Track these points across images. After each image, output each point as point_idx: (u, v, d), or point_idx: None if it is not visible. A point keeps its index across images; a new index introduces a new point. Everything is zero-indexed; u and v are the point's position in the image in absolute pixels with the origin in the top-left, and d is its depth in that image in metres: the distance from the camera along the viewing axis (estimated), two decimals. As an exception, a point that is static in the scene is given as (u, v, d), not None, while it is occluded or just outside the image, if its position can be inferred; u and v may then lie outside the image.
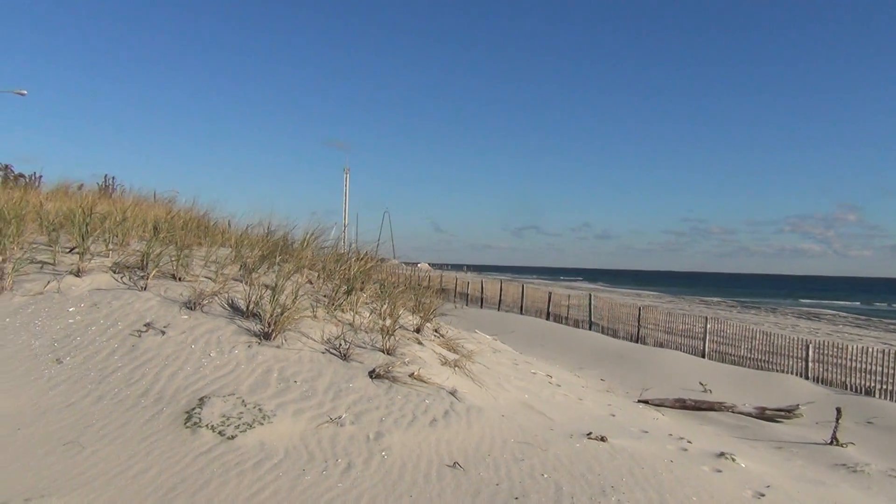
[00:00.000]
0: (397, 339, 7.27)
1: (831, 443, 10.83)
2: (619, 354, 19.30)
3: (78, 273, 6.82)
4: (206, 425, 4.65)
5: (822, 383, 16.78)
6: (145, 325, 6.02)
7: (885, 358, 15.76)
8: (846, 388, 16.22)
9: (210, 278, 7.43)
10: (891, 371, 15.48)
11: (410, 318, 8.91)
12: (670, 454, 6.46)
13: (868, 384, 15.82)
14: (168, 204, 11.93)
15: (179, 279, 7.23)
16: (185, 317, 6.33)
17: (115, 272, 7.04)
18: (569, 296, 30.82)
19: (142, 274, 7.06)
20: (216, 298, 6.85)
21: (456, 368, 7.50)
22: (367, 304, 8.42)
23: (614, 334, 25.14)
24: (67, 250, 7.47)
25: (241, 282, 7.53)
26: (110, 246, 7.70)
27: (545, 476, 4.90)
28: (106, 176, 14.60)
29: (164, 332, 5.94)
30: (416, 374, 6.33)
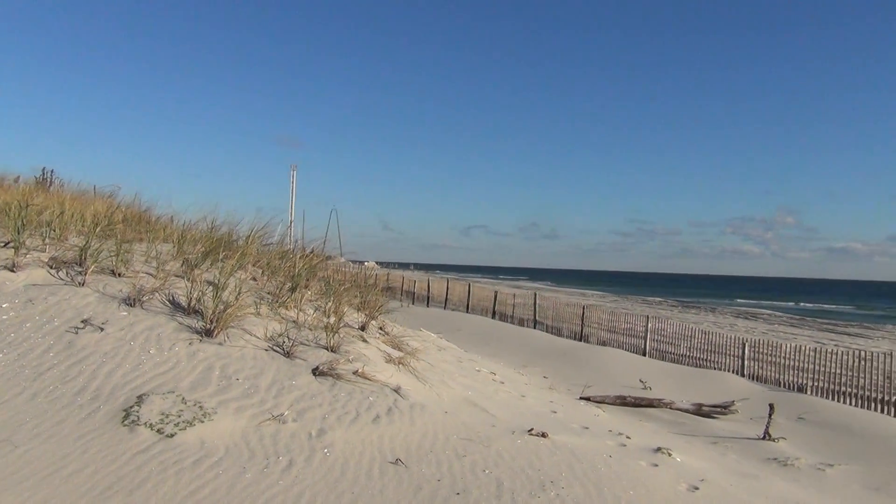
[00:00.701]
0: (342, 336, 7.25)
1: (764, 438, 11.18)
2: (562, 353, 19.56)
3: (12, 268, 6.63)
4: (145, 423, 4.58)
5: (758, 380, 17.30)
6: (83, 322, 5.89)
7: (817, 356, 16.32)
8: (780, 385, 16.75)
9: (151, 274, 7.30)
10: (822, 369, 16.03)
11: (356, 315, 8.90)
12: (609, 449, 6.60)
13: (801, 381, 16.35)
14: (109, 198, 11.65)
15: (119, 275, 7.08)
16: (125, 313, 6.21)
17: (51, 267, 6.86)
18: (514, 295, 31.08)
19: (80, 269, 6.90)
20: (157, 295, 6.74)
21: (400, 366, 7.53)
22: (311, 301, 8.38)
23: (558, 333, 25.47)
24: (2, 245, 7.25)
25: (183, 278, 7.41)
26: (47, 240, 7.50)
27: (486, 472, 4.97)
28: (44, 169, 14.21)
29: (102, 329, 5.83)
30: (360, 371, 6.33)
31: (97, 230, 7.76)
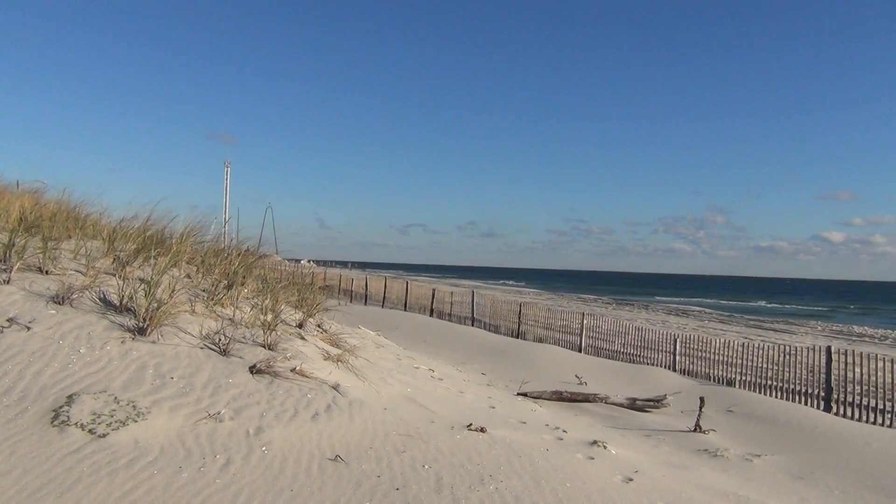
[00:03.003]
0: (279, 334, 7.18)
1: (695, 430, 11.51)
2: (500, 350, 19.74)
3: (-69, 265, 6.36)
4: (76, 424, 4.45)
5: (689, 375, 17.78)
6: (8, 321, 5.69)
7: (745, 351, 16.87)
8: (710, 380, 17.25)
9: (80, 272, 7.10)
10: (750, 363, 16.58)
11: (293, 313, 8.82)
12: (546, 443, 6.70)
13: (730, 375, 16.88)
14: (35, 195, 11.26)
15: (47, 272, 6.86)
16: (53, 311, 6.02)
17: (-27, 265, 6.61)
18: (452, 293, 31.22)
19: (4, 267, 6.65)
20: (87, 293, 6.55)
21: (339, 363, 7.49)
22: (248, 299, 8.26)
23: (496, 330, 25.69)
24: (-81, 241, 6.95)
25: (115, 276, 7.22)
26: (-32, 237, 7.21)
27: (426, 467, 4.99)
28: (-37, 164, 13.62)
29: (28, 328, 5.64)
30: (298, 368, 6.28)
31: (22, 226, 7.50)
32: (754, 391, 16.00)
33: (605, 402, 13.47)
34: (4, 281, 6.40)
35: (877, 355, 14.59)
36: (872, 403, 14.02)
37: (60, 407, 4.62)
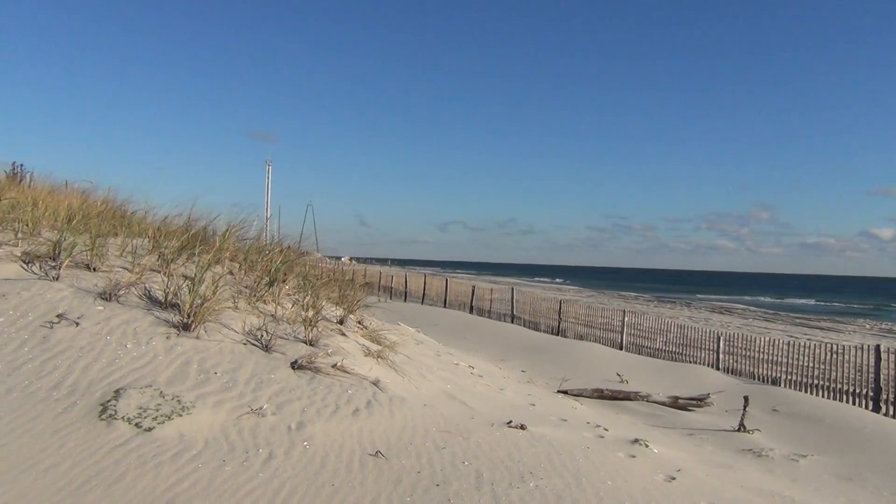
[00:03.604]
0: (320, 330, 7.24)
1: (739, 429, 11.32)
2: (540, 347, 19.65)
3: (-16, 262, 6.54)
4: (122, 417, 4.55)
5: (732, 374, 17.51)
6: (57, 317, 5.83)
7: (791, 349, 16.56)
8: (754, 378, 16.96)
9: (126, 269, 7.24)
10: (795, 362, 16.26)
11: (334, 309, 8.88)
12: (587, 441, 6.66)
13: (774, 374, 16.58)
14: (83, 193, 11.52)
15: (94, 269, 7.01)
16: (100, 308, 6.15)
17: (24, 262, 6.78)
18: (491, 290, 31.19)
19: (53, 264, 6.81)
20: (133, 289, 6.68)
21: (379, 359, 7.53)
22: (289, 295, 8.35)
23: (536, 327, 25.59)
24: (-27, 239, 7.15)
25: (160, 272, 7.35)
26: (20, 235, 7.40)
27: (466, 463, 4.99)
28: (14, 163, 13.99)
29: (77, 324, 5.77)
30: (338, 364, 6.32)
31: (71, 224, 7.67)
32: (800, 390, 15.69)
33: (647, 401, 13.32)
34: (54, 278, 6.56)
35: (929, 354, 14.20)
36: (924, 403, 13.65)
37: (108, 401, 4.72)
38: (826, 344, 16.72)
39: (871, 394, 14.57)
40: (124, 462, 4.07)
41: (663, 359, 19.57)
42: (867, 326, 49.63)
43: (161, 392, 4.98)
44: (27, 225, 7.64)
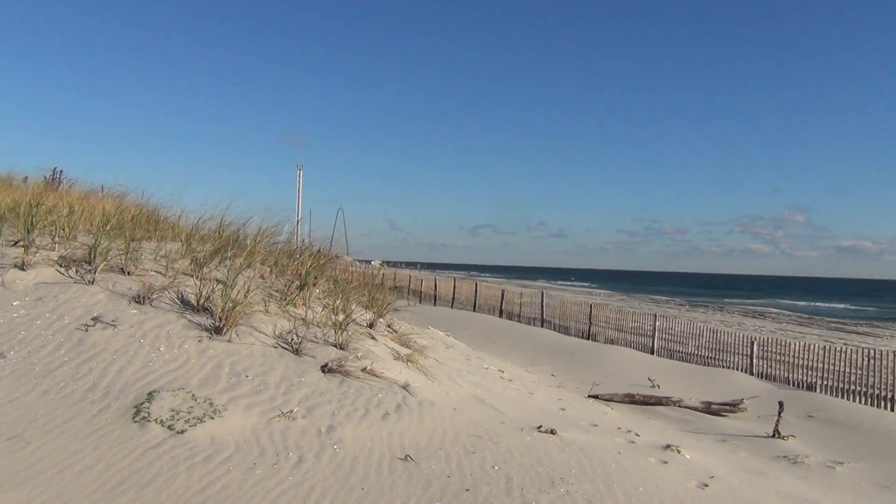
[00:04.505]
0: (350, 333, 7.26)
1: (773, 435, 11.14)
2: (570, 351, 19.54)
3: (22, 266, 6.67)
4: (156, 420, 4.60)
5: (766, 379, 17.24)
6: (93, 320, 5.92)
7: (826, 355, 16.26)
8: (789, 384, 16.68)
9: (160, 272, 7.33)
10: (831, 367, 15.98)
11: (363, 313, 8.91)
12: (618, 446, 6.59)
13: (810, 380, 16.30)
14: (117, 198, 11.70)
15: (128, 273, 7.11)
16: (134, 311, 6.24)
17: (61, 266, 6.90)
18: (521, 293, 31.07)
19: (89, 268, 6.93)
20: (166, 293, 6.77)
21: (408, 363, 7.54)
22: (319, 299, 8.39)
23: (566, 331, 25.44)
24: (11, 243, 7.29)
25: (192, 276, 7.44)
26: (56, 239, 7.53)
27: (496, 468, 4.97)
28: (54, 169, 14.25)
29: (112, 327, 5.85)
30: (368, 368, 6.34)
31: (106, 229, 7.80)
32: (836, 396, 15.40)
33: (679, 406, 13.16)
34: (90, 281, 6.66)
35: (969, 360, 13.87)
36: (965, 410, 13.34)
37: (141, 403, 4.78)
38: (863, 349, 16.40)
39: (909, 400, 14.27)
40: (157, 464, 4.11)
41: (695, 363, 19.34)
42: (905, 331, 48.62)
43: (193, 395, 5.04)
44: (64, 230, 7.78)
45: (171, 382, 5.19)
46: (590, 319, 24.86)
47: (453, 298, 35.57)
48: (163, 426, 4.54)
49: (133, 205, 10.99)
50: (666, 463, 6.31)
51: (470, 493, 4.45)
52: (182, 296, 6.85)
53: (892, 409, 14.35)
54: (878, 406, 14.60)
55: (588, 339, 23.97)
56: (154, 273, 7.30)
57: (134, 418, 4.60)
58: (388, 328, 9.33)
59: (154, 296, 6.58)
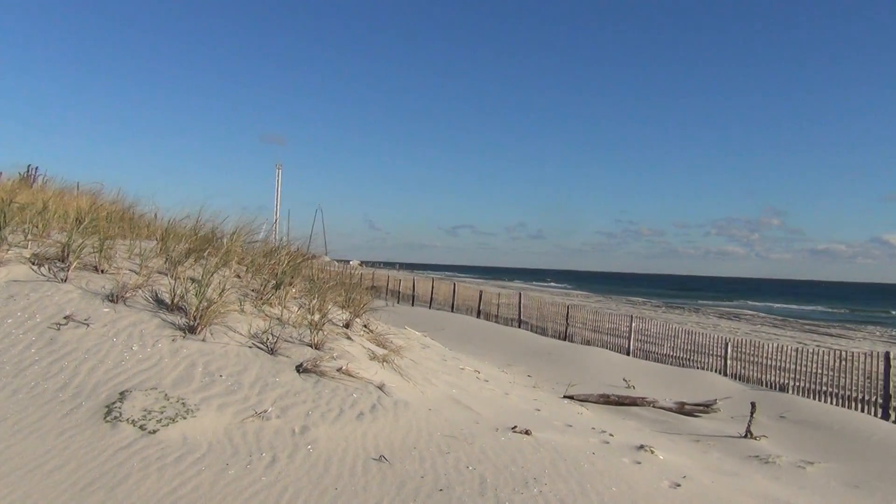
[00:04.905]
0: (326, 333, 7.25)
1: (746, 436, 11.27)
2: (546, 352, 19.62)
3: (-7, 264, 6.58)
4: (127, 419, 4.56)
5: (740, 380, 17.44)
6: (65, 318, 5.86)
7: (799, 356, 16.48)
8: (762, 385, 16.88)
9: (134, 271, 7.27)
10: (804, 368, 16.19)
11: (340, 313, 8.89)
12: (592, 447, 6.64)
13: (782, 381, 16.51)
14: (92, 195, 11.58)
15: (102, 271, 7.05)
16: (107, 310, 6.18)
17: (33, 263, 6.82)
18: (499, 294, 31.16)
19: (62, 266, 6.85)
20: (140, 291, 6.71)
21: (384, 363, 7.53)
22: (296, 298, 8.37)
23: (543, 332, 25.54)
24: (-17, 240, 7.19)
25: (167, 275, 7.38)
26: (29, 237, 7.44)
27: (470, 468, 4.98)
28: (29, 166, 14.05)
29: (85, 325, 5.80)
30: (344, 368, 6.33)
31: (80, 227, 7.71)
32: (808, 397, 15.61)
33: (653, 406, 13.27)
34: (62, 279, 6.59)
35: (938, 362, 14.12)
36: (933, 412, 13.57)
37: (113, 403, 4.74)
38: (835, 350, 16.64)
39: (880, 401, 14.49)
40: (128, 464, 4.08)
41: (671, 364, 19.51)
42: (877, 333, 49.35)
43: (166, 394, 5.00)
44: (37, 227, 7.69)
45: (144, 382, 5.15)
46: (566, 320, 24.98)
47: (431, 299, 35.58)
48: (134, 426, 4.51)
49: (108, 202, 10.90)
50: (639, 463, 6.36)
51: (444, 494, 4.46)
52: (156, 294, 6.80)
53: (863, 411, 14.57)
54: (848, 407, 14.82)
55: (565, 339, 24.09)
56: (128, 271, 7.24)
57: (105, 418, 4.56)
58: (364, 328, 9.32)
59: (128, 294, 6.52)
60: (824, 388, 15.59)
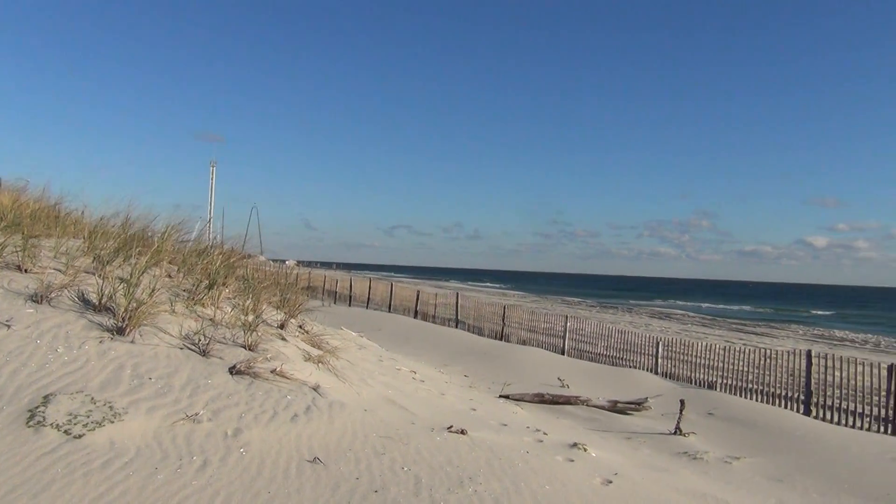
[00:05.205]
0: (260, 334, 7.15)
1: (675, 433, 11.57)
2: (483, 352, 19.76)
3: None
4: (51, 424, 4.41)
5: (671, 378, 17.88)
6: (-15, 320, 5.63)
7: (727, 354, 17.00)
8: (692, 383, 17.35)
9: (60, 270, 7.04)
10: (731, 367, 16.70)
11: (274, 314, 8.78)
12: (527, 446, 6.71)
13: (711, 379, 17.00)
14: (15, 193, 11.16)
15: (25, 271, 6.80)
16: (31, 310, 5.97)
17: (-50, 263, 6.54)
18: (436, 294, 31.26)
19: (-18, 265, 6.59)
20: (66, 292, 6.50)
21: (320, 364, 7.47)
22: (229, 299, 8.23)
23: (479, 332, 25.71)
24: None
25: (94, 275, 7.17)
26: (-54, 234, 7.14)
27: (405, 469, 4.98)
28: (-56, 162, 13.46)
29: (6, 327, 5.58)
30: (278, 370, 6.26)
31: (2, 224, 7.43)
32: (735, 394, 16.11)
33: (587, 405, 13.50)
34: (-18, 279, 6.34)
35: (856, 359, 14.76)
36: (851, 407, 14.16)
37: (36, 407, 4.58)
38: (760, 349, 17.21)
39: (802, 397, 15.06)
40: (52, 470, 3.95)
41: (604, 363, 19.87)
42: (800, 332, 51.30)
43: (92, 398, 4.86)
44: (-46, 224, 7.38)
45: (70, 385, 4.99)
46: (503, 320, 25.19)
47: (368, 299, 35.43)
48: (59, 431, 4.36)
49: (33, 199, 10.52)
50: (572, 461, 6.46)
51: (378, 495, 4.45)
52: (83, 295, 6.60)
53: (786, 407, 15.10)
54: (773, 404, 15.35)
55: (501, 339, 24.29)
56: (53, 271, 7.00)
57: (28, 423, 4.40)
58: (299, 329, 9.22)
59: (53, 295, 6.31)
60: (751, 386, 16.12)
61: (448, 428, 6.33)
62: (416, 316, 30.36)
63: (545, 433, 7.98)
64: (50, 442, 4.24)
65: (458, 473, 5.09)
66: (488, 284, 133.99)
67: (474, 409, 9.15)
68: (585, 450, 7.03)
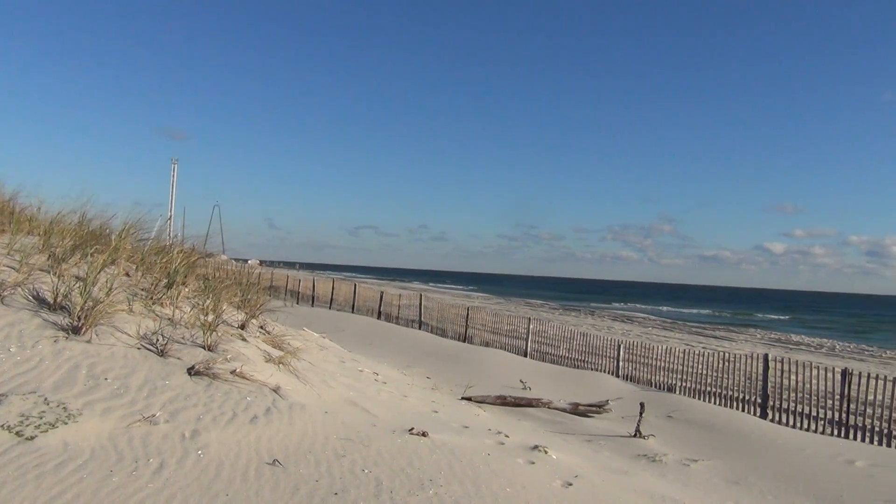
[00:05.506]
0: (220, 335, 7.06)
1: (635, 435, 11.68)
2: (446, 353, 19.76)
3: None
4: (2, 426, 4.30)
5: (632, 381, 18.07)
6: (-66, 318, 5.48)
7: (686, 358, 17.23)
8: (651, 386, 17.55)
9: (13, 268, 6.87)
10: (690, 370, 16.92)
11: (235, 314, 8.68)
12: (488, 448, 6.72)
13: (671, 382, 17.20)
14: (-33, 187, 10.87)
15: (-23, 268, 6.63)
16: (-18, 309, 5.82)
17: None
18: (400, 295, 31.20)
19: (-68, 261, 6.41)
20: (19, 289, 6.34)
21: (280, 366, 7.40)
22: (189, 298, 8.11)
23: (443, 334, 25.71)
24: None
25: (49, 272, 7.02)
26: None
27: (366, 471, 4.95)
28: None
29: (-45, 325, 5.44)
30: (238, 370, 6.18)
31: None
32: (694, 397, 16.33)
33: (549, 407, 13.58)
34: (-69, 276, 6.16)
35: (811, 363, 15.04)
36: (806, 410, 14.44)
37: (-14, 408, 4.46)
38: (719, 352, 17.48)
39: (759, 400, 15.31)
40: (2, 473, 3.85)
41: (566, 366, 20.01)
42: (757, 336, 52.22)
43: (46, 399, 4.75)
44: None
45: (22, 385, 4.87)
46: (466, 322, 25.22)
47: (331, 299, 35.24)
48: (10, 432, 4.25)
49: (-15, 195, 10.25)
50: (533, 463, 6.49)
51: (338, 497, 4.41)
52: (37, 293, 6.45)
53: (743, 410, 15.35)
54: (731, 407, 15.58)
55: (464, 341, 24.32)
56: (6, 268, 6.83)
57: (-23, 424, 4.28)
58: (260, 329, 9.13)
59: (5, 293, 6.16)
60: (709, 389, 16.36)
61: (409, 430, 6.31)
62: (379, 317, 30.27)
63: (507, 435, 8.00)
64: (1, 444, 4.13)
65: (418, 476, 5.08)
66: (452, 286, 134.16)
67: (436, 412, 9.14)
68: (546, 452, 7.06)
